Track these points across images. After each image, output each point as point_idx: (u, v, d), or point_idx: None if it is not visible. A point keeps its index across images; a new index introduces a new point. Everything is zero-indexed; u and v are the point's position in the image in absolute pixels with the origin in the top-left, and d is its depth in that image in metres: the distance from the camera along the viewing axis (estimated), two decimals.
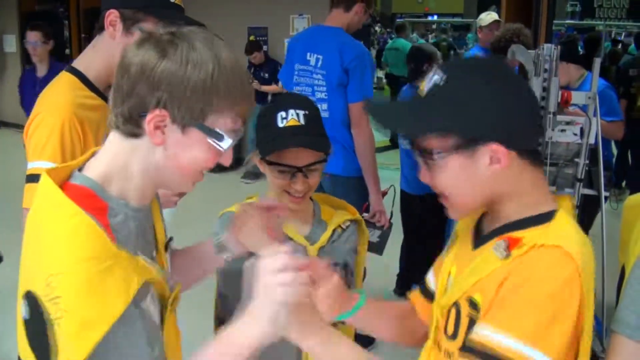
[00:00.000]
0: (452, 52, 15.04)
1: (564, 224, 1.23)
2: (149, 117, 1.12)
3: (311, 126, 1.71)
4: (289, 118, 1.70)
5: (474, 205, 1.30)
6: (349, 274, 1.87)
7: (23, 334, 1.14)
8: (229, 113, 1.16)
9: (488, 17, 5.25)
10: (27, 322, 1.13)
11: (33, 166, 1.79)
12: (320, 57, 3.47)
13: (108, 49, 1.85)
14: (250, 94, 1.21)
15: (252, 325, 1.17)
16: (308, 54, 3.53)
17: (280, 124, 1.69)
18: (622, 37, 15.82)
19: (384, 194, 3.67)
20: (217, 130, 1.16)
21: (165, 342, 1.30)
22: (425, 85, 1.25)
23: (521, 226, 1.24)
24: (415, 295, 1.59)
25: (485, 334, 1.15)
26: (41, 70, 5.08)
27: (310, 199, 1.91)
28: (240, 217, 1.54)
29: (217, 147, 1.17)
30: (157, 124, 1.13)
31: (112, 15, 1.81)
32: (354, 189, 3.47)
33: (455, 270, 1.37)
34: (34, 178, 1.74)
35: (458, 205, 1.30)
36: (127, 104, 1.13)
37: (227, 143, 1.18)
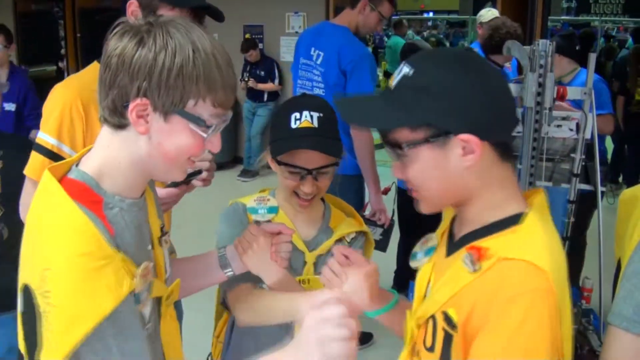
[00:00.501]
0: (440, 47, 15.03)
1: (532, 228, 1.19)
2: (131, 106, 1.13)
3: (324, 129, 1.71)
4: (302, 119, 1.70)
5: (445, 199, 1.28)
6: None
7: (20, 326, 1.16)
8: (210, 98, 1.17)
9: (489, 13, 5.22)
10: (22, 315, 1.15)
11: (37, 135, 1.94)
12: (322, 53, 3.47)
13: None
14: (231, 79, 1.20)
15: None
16: (312, 49, 3.53)
17: (293, 125, 1.70)
18: (614, 32, 15.78)
19: (386, 191, 3.66)
20: (198, 116, 1.17)
21: (164, 335, 1.32)
22: (394, 78, 1.23)
23: (488, 232, 1.21)
24: None
25: None
26: (1, 76, 4.96)
27: (323, 201, 1.91)
28: (246, 239, 1.58)
29: (200, 133, 1.18)
30: (139, 113, 1.14)
31: (132, 6, 1.85)
32: (351, 187, 3.46)
33: (433, 278, 1.34)
34: (36, 147, 1.93)
35: (428, 199, 1.28)
36: (110, 96, 1.15)
37: (209, 128, 1.18)
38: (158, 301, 1.32)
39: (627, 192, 1.57)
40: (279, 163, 1.73)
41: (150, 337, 1.26)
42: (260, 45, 8.34)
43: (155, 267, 1.32)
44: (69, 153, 1.86)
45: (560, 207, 3.21)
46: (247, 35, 8.48)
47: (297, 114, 1.71)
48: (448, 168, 1.19)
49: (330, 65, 3.41)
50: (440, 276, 1.29)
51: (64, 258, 1.08)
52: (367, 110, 1.27)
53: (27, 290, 1.11)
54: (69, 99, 1.89)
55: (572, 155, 3.06)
